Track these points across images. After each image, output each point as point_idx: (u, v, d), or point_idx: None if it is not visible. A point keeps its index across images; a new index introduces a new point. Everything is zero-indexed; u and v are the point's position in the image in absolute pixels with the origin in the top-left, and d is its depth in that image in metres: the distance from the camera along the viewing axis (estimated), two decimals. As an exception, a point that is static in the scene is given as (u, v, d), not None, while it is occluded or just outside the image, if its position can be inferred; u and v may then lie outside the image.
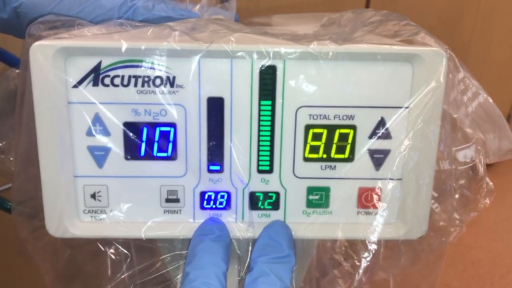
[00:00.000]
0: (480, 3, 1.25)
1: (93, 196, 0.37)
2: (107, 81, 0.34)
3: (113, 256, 0.39)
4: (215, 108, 0.35)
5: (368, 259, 0.37)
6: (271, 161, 0.37)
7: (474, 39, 1.29)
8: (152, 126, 0.35)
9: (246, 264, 0.37)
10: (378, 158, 0.37)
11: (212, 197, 0.37)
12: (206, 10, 0.46)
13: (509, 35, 1.39)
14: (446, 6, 1.18)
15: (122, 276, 0.39)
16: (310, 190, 0.37)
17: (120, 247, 0.39)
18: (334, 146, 0.36)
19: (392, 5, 1.07)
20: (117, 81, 0.34)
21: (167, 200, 0.37)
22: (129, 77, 0.34)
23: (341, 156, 0.36)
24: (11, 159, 0.44)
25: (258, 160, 0.36)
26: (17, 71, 0.46)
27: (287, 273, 0.33)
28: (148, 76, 0.34)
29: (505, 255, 1.27)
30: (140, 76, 0.34)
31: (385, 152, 0.36)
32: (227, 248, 0.35)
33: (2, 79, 0.46)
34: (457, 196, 0.39)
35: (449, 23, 1.21)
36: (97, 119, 0.35)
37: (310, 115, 0.36)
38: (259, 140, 0.36)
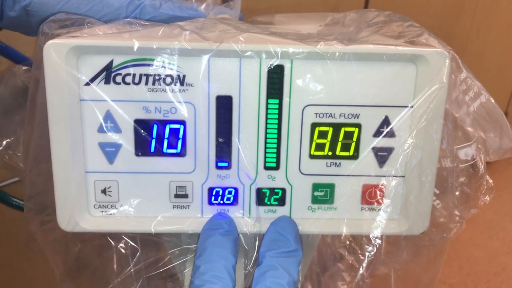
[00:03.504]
0: (478, 2, 1.26)
1: (104, 191, 0.37)
2: (118, 79, 0.35)
3: (123, 251, 0.39)
4: (224, 106, 0.36)
5: (372, 253, 0.38)
6: (278, 158, 0.37)
7: (471, 38, 1.30)
8: (162, 123, 0.36)
9: (253, 258, 0.38)
10: (382, 155, 0.37)
11: (220, 193, 0.38)
12: (211, 8, 0.46)
13: (506, 34, 1.40)
14: (443, 6, 1.19)
15: (132, 270, 0.40)
16: (316, 187, 0.38)
17: (129, 241, 0.39)
18: (339, 144, 0.37)
19: (390, 4, 1.08)
20: (128, 79, 0.35)
21: (176, 196, 0.38)
22: (140, 75, 0.35)
23: (346, 153, 0.37)
24: (19, 154, 0.44)
25: (265, 157, 0.37)
26: (24, 68, 0.47)
27: (295, 267, 0.34)
28: (159, 75, 0.35)
29: (500, 253, 1.28)
30: (151, 75, 0.35)
31: (389, 150, 0.37)
32: (236, 242, 0.36)
33: (9, 76, 0.46)
34: (457, 193, 0.40)
35: (447, 22, 1.22)
36: (109, 116, 0.36)
37: (316, 113, 0.36)
38: (266, 138, 0.37)
